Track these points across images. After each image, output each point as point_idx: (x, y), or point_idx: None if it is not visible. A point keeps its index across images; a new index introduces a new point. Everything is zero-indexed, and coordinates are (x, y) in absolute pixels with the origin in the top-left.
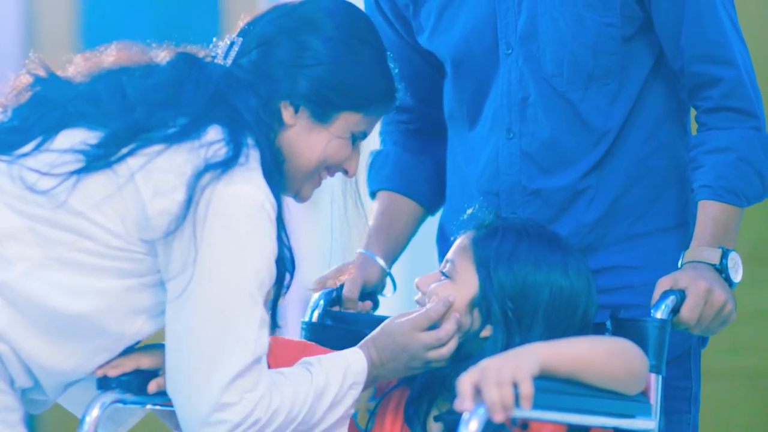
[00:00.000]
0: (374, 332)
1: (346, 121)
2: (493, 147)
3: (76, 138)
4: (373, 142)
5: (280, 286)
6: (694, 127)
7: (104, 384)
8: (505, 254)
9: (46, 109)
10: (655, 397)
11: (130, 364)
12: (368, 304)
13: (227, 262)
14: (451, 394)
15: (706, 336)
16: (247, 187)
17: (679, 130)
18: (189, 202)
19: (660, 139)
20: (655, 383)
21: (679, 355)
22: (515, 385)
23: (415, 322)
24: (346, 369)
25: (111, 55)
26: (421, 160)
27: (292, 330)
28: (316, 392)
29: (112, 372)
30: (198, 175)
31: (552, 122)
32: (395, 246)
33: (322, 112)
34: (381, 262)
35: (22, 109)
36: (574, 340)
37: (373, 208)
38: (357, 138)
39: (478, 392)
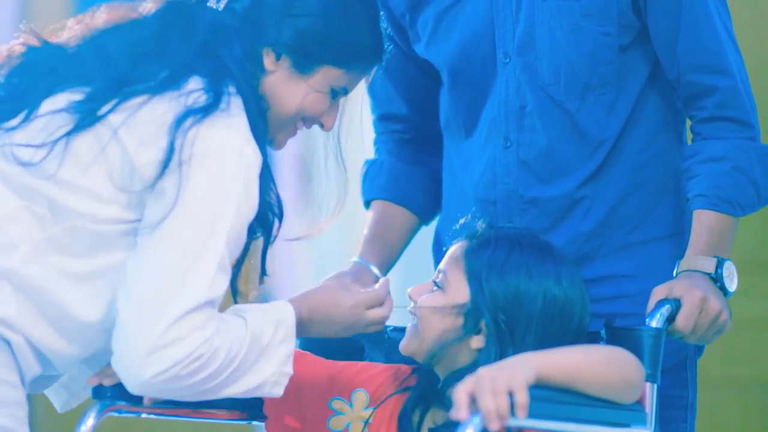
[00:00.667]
0: (311, 290)
1: (326, 75)
2: (490, 155)
3: (61, 102)
4: (368, 151)
5: (268, 234)
6: (690, 138)
7: (99, 393)
8: (498, 265)
9: (37, 76)
10: (650, 405)
11: None
12: None
13: (203, 201)
14: (445, 404)
15: (702, 345)
16: (228, 133)
17: (675, 140)
18: (172, 145)
19: (656, 148)
20: (650, 392)
21: (675, 364)
22: (510, 394)
23: (366, 301)
24: (278, 320)
25: (102, 16)
26: (415, 170)
27: None
28: (252, 335)
29: (108, 381)
30: (179, 120)
31: (549, 131)
32: (389, 255)
33: (304, 63)
34: (375, 271)
35: (12, 78)
36: (570, 349)
37: (367, 217)
38: (337, 93)
39: (473, 401)
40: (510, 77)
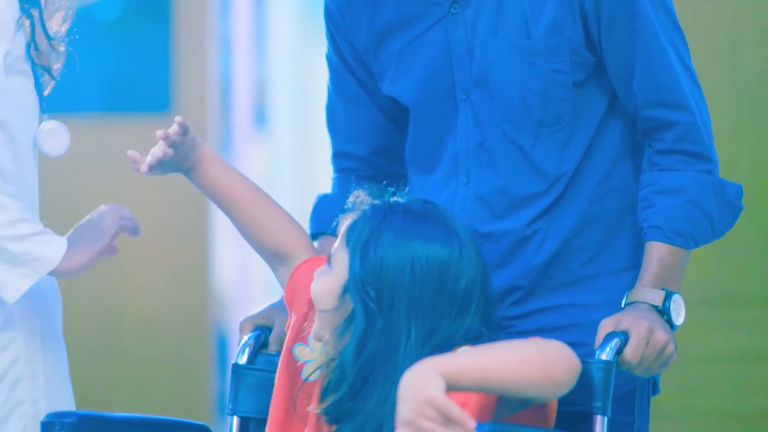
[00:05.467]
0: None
1: None
2: (451, 191)
3: None
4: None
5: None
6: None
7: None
8: (365, 238)
9: None
10: None
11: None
12: None
13: None
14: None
15: (657, 385)
16: None
17: (633, 173)
18: None
19: (614, 181)
20: (600, 424)
21: (624, 393)
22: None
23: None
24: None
25: None
26: None
27: None
28: None
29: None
30: None
31: (505, 168)
32: None
33: None
34: None
35: None
36: (486, 347)
37: None
38: None
39: None
40: (469, 114)
